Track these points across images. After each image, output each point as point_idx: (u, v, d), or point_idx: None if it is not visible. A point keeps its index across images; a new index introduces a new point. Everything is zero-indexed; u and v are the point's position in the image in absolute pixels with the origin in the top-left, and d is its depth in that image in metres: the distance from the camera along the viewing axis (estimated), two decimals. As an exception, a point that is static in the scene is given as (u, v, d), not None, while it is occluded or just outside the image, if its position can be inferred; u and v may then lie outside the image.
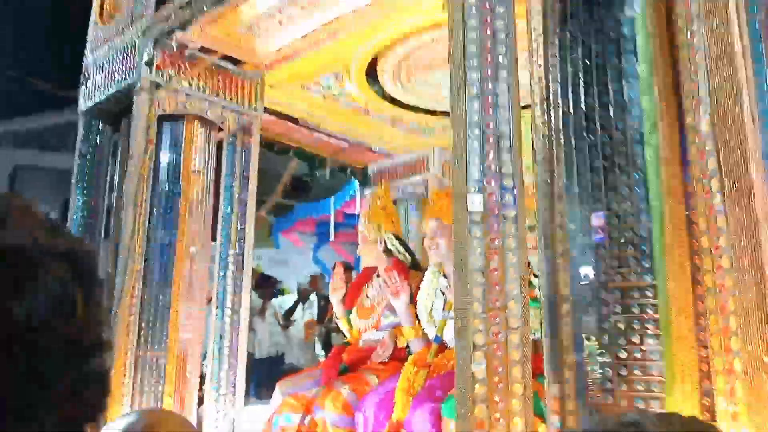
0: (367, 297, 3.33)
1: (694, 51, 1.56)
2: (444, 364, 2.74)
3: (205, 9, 2.72)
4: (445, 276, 3.00)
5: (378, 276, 3.38)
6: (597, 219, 1.62)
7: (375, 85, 3.62)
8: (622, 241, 1.58)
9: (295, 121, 4.07)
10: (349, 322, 3.36)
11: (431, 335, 2.94)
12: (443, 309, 2.86)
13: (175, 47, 2.99)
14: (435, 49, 3.13)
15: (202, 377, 3.11)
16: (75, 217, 3.27)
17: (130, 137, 3.07)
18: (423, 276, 3.19)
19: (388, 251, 3.26)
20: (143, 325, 2.82)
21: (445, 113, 3.82)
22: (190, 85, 3.14)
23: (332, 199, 6.71)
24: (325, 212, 6.92)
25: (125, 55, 3.11)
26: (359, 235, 3.37)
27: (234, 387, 3.08)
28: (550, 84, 1.80)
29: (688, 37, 1.58)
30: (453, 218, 1.68)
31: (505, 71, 1.72)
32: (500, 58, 1.73)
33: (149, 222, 2.96)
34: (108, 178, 3.35)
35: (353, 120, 4.07)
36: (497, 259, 1.65)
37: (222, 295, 3.20)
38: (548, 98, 1.79)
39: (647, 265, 1.54)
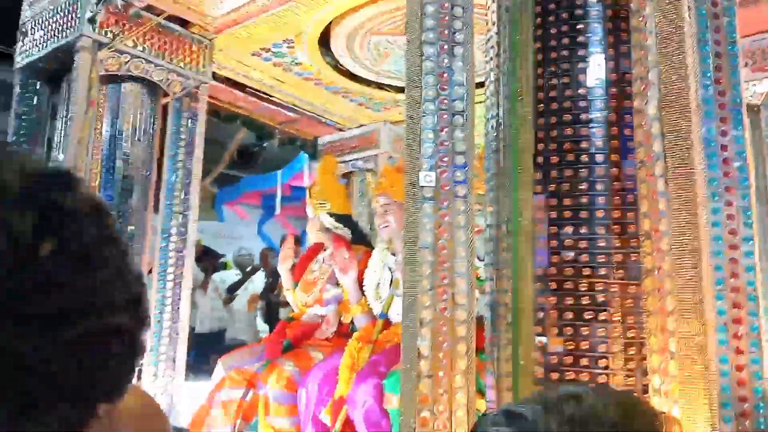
0: (312, 271, 3.30)
1: (645, 35, 1.59)
2: (388, 340, 2.75)
3: (153, -34, 2.59)
4: (393, 253, 3.00)
5: (324, 250, 3.35)
6: (538, 200, 1.64)
7: (327, 55, 3.56)
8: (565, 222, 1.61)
9: (243, 88, 3.96)
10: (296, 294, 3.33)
11: (377, 311, 2.95)
12: (390, 285, 2.87)
13: (119, 5, 2.85)
14: (388, 21, 3.10)
15: (141, 349, 3.03)
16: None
17: (70, 98, 2.93)
18: (364, 251, 3.19)
19: (326, 229, 3.24)
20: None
21: (397, 88, 3.81)
22: (135, 45, 3.01)
23: (280, 171, 6.61)
24: (271, 185, 6.82)
25: (67, 10, 2.94)
26: (308, 210, 3.33)
27: (174, 362, 3.02)
28: (503, 63, 1.81)
29: (640, 21, 1.60)
30: (405, 194, 1.67)
31: (461, 48, 1.71)
32: (457, 35, 1.72)
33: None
34: (46, 139, 3.20)
35: (304, 90, 4.00)
36: (446, 237, 1.66)
37: (163, 267, 3.11)
38: (499, 78, 1.80)
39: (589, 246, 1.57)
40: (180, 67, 3.19)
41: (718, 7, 1.61)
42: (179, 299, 3.09)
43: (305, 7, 3.03)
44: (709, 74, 1.60)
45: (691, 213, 1.41)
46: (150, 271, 3.15)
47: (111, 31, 2.92)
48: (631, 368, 1.47)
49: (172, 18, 3.13)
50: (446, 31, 1.72)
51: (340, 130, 4.65)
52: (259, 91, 4.00)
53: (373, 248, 3.24)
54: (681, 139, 1.46)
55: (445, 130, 1.65)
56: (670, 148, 1.49)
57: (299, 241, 4.88)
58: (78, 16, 2.88)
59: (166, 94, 3.25)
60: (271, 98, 4.11)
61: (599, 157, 1.61)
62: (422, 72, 1.67)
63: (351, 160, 4.61)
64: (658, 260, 1.49)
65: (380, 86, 3.92)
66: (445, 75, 1.69)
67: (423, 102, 1.66)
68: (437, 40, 1.70)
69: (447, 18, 1.72)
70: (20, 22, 3.27)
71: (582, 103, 1.64)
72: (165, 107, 3.29)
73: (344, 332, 3.03)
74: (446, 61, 1.69)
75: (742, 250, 1.47)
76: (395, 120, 4.46)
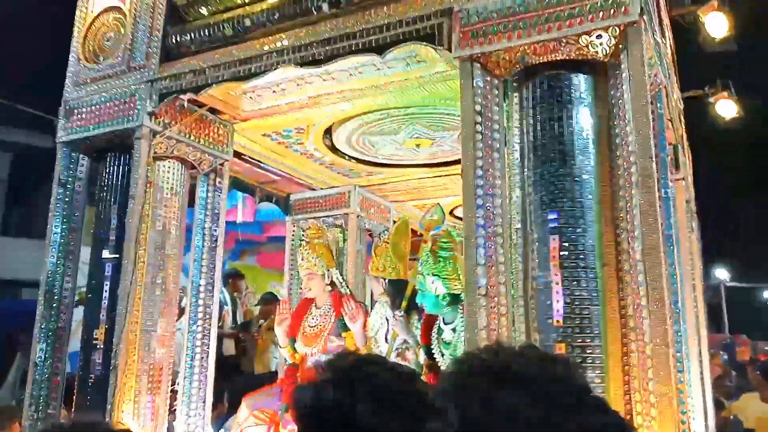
0: (310, 326, 3.91)
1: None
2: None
3: (221, 79, 3.18)
4: (316, 307, 3.84)
5: (317, 307, 3.97)
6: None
7: (326, 138, 4.24)
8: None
9: (239, 155, 4.52)
10: (293, 348, 3.92)
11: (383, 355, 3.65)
12: (391, 337, 3.57)
13: (185, 105, 3.39)
14: (379, 124, 3.91)
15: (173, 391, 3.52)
16: (54, 239, 3.51)
17: (121, 175, 3.42)
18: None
19: (332, 284, 3.89)
20: (141, 345, 3.20)
21: (373, 163, 4.56)
22: (179, 131, 3.54)
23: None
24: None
25: (124, 100, 3.42)
26: (302, 272, 3.92)
27: (204, 402, 3.53)
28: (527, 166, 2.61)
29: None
30: (466, 291, 2.40)
31: (499, 189, 2.49)
32: (497, 175, 2.50)
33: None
34: (82, 205, 3.63)
35: (295, 160, 4.63)
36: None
37: (193, 320, 3.62)
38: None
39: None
40: (209, 147, 3.74)
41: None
42: (207, 348, 3.61)
43: (321, 109, 3.71)
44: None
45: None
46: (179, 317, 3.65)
47: (163, 121, 3.44)
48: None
49: (202, 105, 3.67)
50: (489, 176, 2.50)
51: (311, 189, 5.29)
52: (253, 159, 4.58)
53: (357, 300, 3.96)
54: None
55: (491, 248, 2.42)
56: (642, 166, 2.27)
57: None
58: (137, 107, 3.37)
59: (192, 167, 3.78)
60: (260, 164, 4.70)
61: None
62: (475, 208, 2.43)
63: (321, 216, 5.26)
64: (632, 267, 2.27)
65: (361, 161, 4.64)
66: (489, 208, 2.46)
67: (476, 227, 2.42)
68: (484, 184, 2.47)
69: (490, 169, 2.50)
70: (63, 100, 3.68)
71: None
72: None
73: (349, 375, 3.69)
74: (490, 200, 2.46)
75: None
76: (363, 184, 5.19)
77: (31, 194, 17.68)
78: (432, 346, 3.31)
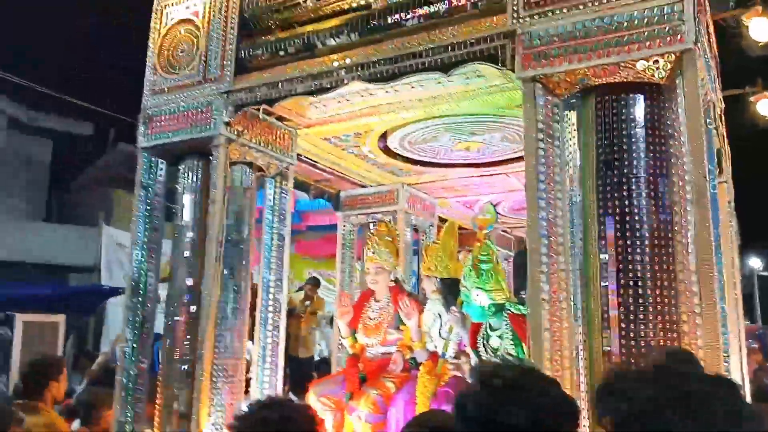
0: (369, 318, 4.19)
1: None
2: (446, 372, 3.72)
3: (294, 93, 3.43)
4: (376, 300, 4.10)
5: (376, 300, 4.24)
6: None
7: (380, 141, 4.48)
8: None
9: (298, 156, 4.78)
10: (354, 338, 4.20)
11: (430, 348, 3.91)
12: (446, 331, 3.82)
13: (260, 116, 3.66)
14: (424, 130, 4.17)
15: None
16: (138, 237, 3.82)
17: (198, 178, 3.71)
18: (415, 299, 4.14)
19: (395, 280, 4.16)
20: (218, 338, 3.51)
21: (422, 162, 4.78)
22: (250, 139, 3.81)
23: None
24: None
25: (200, 109, 3.69)
26: (371, 266, 4.18)
27: (275, 389, 3.84)
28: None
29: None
30: (529, 296, 2.64)
31: (561, 210, 2.71)
32: (559, 195, 2.72)
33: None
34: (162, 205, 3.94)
35: (349, 161, 4.88)
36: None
37: (264, 313, 3.92)
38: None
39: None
40: (276, 152, 4.01)
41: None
42: (278, 339, 3.91)
43: (379, 117, 3.96)
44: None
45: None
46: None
47: (236, 129, 3.71)
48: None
49: (272, 114, 3.93)
50: (551, 189, 2.71)
51: (362, 185, 5.54)
52: (309, 159, 4.83)
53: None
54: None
55: (553, 256, 2.64)
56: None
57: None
58: (214, 117, 3.64)
59: (260, 170, 4.04)
60: (316, 164, 4.96)
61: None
62: (538, 219, 2.66)
63: (371, 213, 5.52)
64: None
65: (410, 160, 4.87)
66: (551, 219, 2.68)
67: (539, 228, 2.64)
68: (546, 197, 2.69)
69: (551, 183, 2.72)
70: (142, 107, 3.97)
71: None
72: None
73: (406, 367, 3.96)
74: (552, 212, 2.68)
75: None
76: (410, 182, 5.43)
77: (72, 181, 18.25)
78: (480, 352, 3.55)
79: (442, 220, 6.14)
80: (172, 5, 3.99)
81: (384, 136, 4.39)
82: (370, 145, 4.49)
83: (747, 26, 4.57)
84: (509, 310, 3.45)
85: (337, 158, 4.81)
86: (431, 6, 3.19)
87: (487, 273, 3.44)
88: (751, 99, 5.56)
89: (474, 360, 3.61)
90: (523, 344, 3.31)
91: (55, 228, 15.71)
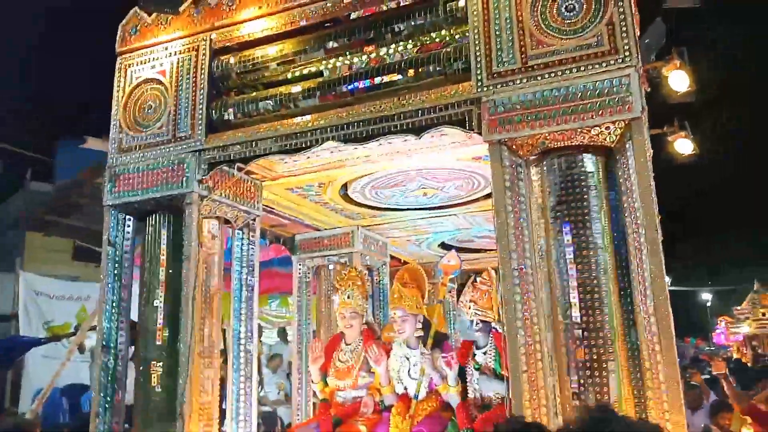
0: (340, 361, 4.32)
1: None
2: (419, 413, 3.90)
3: (269, 152, 3.58)
4: (408, 347, 4.16)
5: (347, 344, 4.38)
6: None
7: (342, 189, 4.67)
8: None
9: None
10: (324, 383, 4.31)
11: (399, 391, 4.08)
12: (418, 373, 4.00)
13: (236, 174, 3.77)
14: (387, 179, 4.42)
15: None
16: (108, 295, 3.82)
17: (169, 233, 3.77)
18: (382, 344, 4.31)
19: (367, 323, 4.32)
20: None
21: (380, 208, 5.01)
22: (221, 194, 3.91)
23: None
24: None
25: (172, 168, 3.77)
26: (348, 308, 4.29)
27: (249, 435, 3.91)
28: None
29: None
30: (506, 320, 2.87)
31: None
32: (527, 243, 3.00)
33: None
34: (130, 262, 3.96)
35: (310, 208, 5.04)
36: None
37: (236, 364, 3.99)
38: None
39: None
40: (244, 205, 4.13)
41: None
42: (250, 389, 3.98)
43: (343, 170, 4.16)
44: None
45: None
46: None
47: (208, 186, 3.81)
48: None
49: (240, 168, 4.05)
50: (518, 236, 2.99)
51: (316, 229, 5.69)
52: (269, 206, 4.95)
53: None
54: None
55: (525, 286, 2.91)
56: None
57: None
58: (186, 175, 3.73)
59: (226, 222, 4.14)
60: (274, 210, 5.08)
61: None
62: (509, 259, 2.92)
63: (327, 255, 5.68)
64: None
65: (368, 206, 5.09)
66: (520, 260, 2.95)
67: (513, 284, 2.90)
68: (516, 244, 2.96)
69: (518, 231, 2.99)
70: (107, 165, 4.00)
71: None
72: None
73: (377, 410, 4.11)
74: (522, 254, 2.95)
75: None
76: (364, 225, 5.63)
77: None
78: (466, 367, 3.84)
79: (393, 258, 6.39)
80: (137, 64, 4.07)
81: (345, 185, 4.58)
82: (332, 194, 4.67)
83: (666, 77, 5.09)
84: (494, 328, 3.76)
85: (297, 205, 4.96)
86: (398, 73, 3.44)
87: (482, 293, 3.80)
88: (669, 138, 6.14)
89: (452, 389, 3.81)
90: (501, 359, 3.62)
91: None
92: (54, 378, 7.37)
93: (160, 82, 3.98)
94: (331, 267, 5.75)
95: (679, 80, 5.08)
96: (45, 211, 12.22)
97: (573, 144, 3.02)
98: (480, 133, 3.12)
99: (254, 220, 4.25)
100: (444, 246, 6.59)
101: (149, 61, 4.04)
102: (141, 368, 3.68)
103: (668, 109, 6.07)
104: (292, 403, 7.73)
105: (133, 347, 3.99)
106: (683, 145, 6.20)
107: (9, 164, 16.28)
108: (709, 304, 27.60)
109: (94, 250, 13.14)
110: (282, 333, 10.33)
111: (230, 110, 3.80)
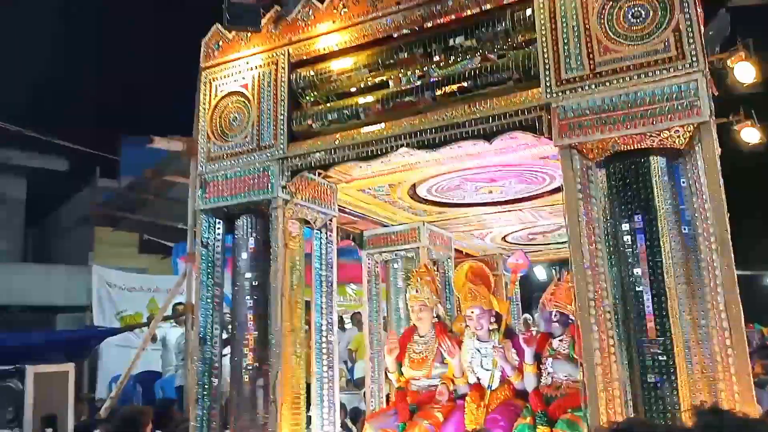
0: (415, 352, 4.58)
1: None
2: (494, 401, 4.12)
3: (347, 159, 3.83)
4: (479, 339, 4.38)
5: (420, 336, 4.63)
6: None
7: (411, 189, 4.90)
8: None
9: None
10: (400, 372, 4.58)
11: (472, 380, 4.31)
12: (491, 365, 4.22)
13: (317, 179, 4.05)
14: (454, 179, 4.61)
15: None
16: (203, 292, 4.17)
17: (256, 234, 4.07)
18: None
19: (437, 317, 4.56)
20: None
21: (445, 204, 5.21)
22: (302, 198, 4.19)
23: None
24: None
25: (256, 174, 4.07)
26: (417, 302, 4.56)
27: (333, 424, 4.20)
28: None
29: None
30: (581, 327, 3.05)
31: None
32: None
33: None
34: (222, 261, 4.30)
35: (379, 206, 5.29)
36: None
37: (318, 354, 4.29)
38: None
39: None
40: (321, 207, 4.40)
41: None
42: (332, 376, 4.28)
43: (407, 175, 4.39)
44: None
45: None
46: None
47: (289, 191, 4.09)
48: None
49: (319, 173, 4.32)
50: (590, 235, 3.15)
51: (383, 225, 5.94)
52: (341, 207, 5.21)
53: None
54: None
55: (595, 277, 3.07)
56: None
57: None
58: (271, 181, 4.02)
59: (306, 223, 4.42)
60: (344, 209, 5.34)
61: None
62: (581, 255, 3.09)
63: (394, 250, 5.92)
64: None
65: (436, 203, 5.30)
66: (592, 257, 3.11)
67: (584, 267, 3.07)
68: (587, 242, 3.12)
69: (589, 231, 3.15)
70: (198, 173, 4.33)
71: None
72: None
73: (451, 398, 4.35)
74: (593, 252, 3.11)
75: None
76: (430, 220, 5.85)
77: (47, 219, 18.09)
78: (542, 356, 4.10)
79: (457, 252, 6.60)
80: (221, 78, 4.37)
81: (413, 186, 4.80)
82: (401, 193, 4.90)
83: (732, 68, 5.11)
84: (572, 321, 4.00)
85: (367, 204, 5.21)
86: (468, 80, 3.63)
87: (564, 289, 4.09)
88: (735, 127, 6.12)
89: (531, 375, 4.07)
90: (575, 347, 3.84)
91: (38, 268, 15.58)
92: (131, 366, 7.85)
93: (243, 95, 4.27)
94: (397, 262, 5.99)
95: (744, 72, 5.09)
96: (113, 206, 12.92)
97: (642, 147, 3.15)
98: (551, 138, 3.28)
99: (331, 220, 4.52)
100: (506, 240, 6.76)
101: (232, 75, 4.34)
102: (235, 359, 4.02)
103: (735, 99, 6.06)
104: (351, 388, 8.15)
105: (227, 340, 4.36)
106: (750, 134, 6.17)
107: (76, 162, 17.04)
108: (774, 288, 26.69)
109: (159, 243, 13.89)
110: (339, 321, 10.71)
111: (309, 120, 4.06)
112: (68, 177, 17.36)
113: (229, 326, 4.31)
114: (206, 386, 4.08)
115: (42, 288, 14.51)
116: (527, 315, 9.55)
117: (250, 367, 3.94)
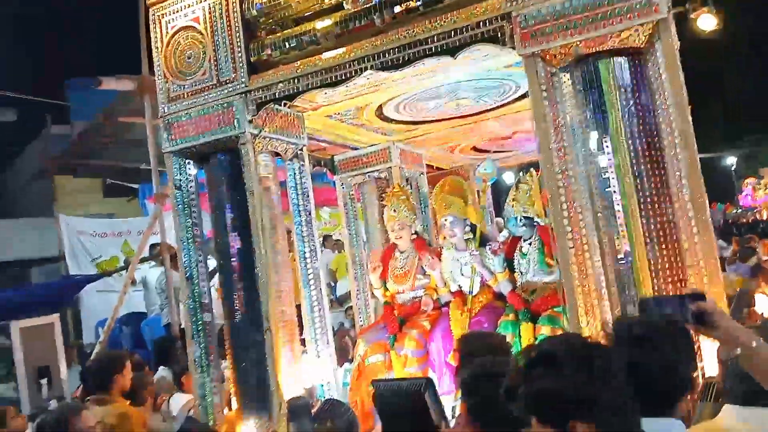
0: (397, 268, 4.74)
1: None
2: (476, 305, 4.33)
3: (312, 87, 3.79)
4: (457, 249, 4.54)
5: (401, 251, 4.78)
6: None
7: (378, 110, 4.89)
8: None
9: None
10: (385, 288, 4.75)
11: (463, 288, 4.48)
12: (470, 271, 4.40)
13: (283, 110, 4.00)
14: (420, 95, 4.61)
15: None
16: (182, 234, 4.19)
17: (229, 171, 4.06)
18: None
19: (415, 233, 4.70)
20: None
21: (414, 122, 5.23)
22: (270, 130, 4.16)
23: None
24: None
25: (221, 110, 4.01)
26: (395, 222, 4.68)
27: (327, 344, 4.37)
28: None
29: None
30: (553, 217, 3.19)
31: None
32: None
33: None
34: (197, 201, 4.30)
35: (345, 130, 5.27)
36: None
37: (305, 280, 4.40)
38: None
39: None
40: (291, 138, 4.39)
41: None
42: (321, 302, 4.41)
43: (379, 93, 4.36)
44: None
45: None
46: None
47: (258, 125, 4.05)
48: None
49: (285, 103, 4.26)
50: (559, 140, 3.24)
51: (354, 149, 5.94)
52: (309, 135, 5.18)
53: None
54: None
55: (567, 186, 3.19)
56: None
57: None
58: (236, 117, 3.97)
59: (276, 155, 4.41)
60: (312, 137, 5.32)
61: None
62: (552, 162, 3.19)
63: (367, 172, 5.95)
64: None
65: (403, 121, 5.30)
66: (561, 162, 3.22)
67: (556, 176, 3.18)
68: (556, 147, 3.21)
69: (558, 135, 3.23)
70: (161, 115, 4.25)
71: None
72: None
73: (436, 306, 4.55)
74: (562, 156, 3.21)
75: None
76: (399, 139, 5.86)
77: (2, 172, 17.50)
78: (514, 258, 4.26)
79: (428, 167, 6.66)
80: (170, 14, 4.21)
81: (380, 106, 4.79)
82: (368, 115, 4.89)
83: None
84: (537, 222, 4.15)
85: (334, 129, 5.19)
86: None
87: (525, 192, 4.18)
88: (692, 16, 6.15)
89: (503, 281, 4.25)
90: (545, 248, 4.08)
91: (4, 223, 15.21)
92: (115, 311, 7.89)
93: (195, 29, 4.12)
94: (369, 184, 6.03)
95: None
96: (70, 154, 12.55)
97: (604, 49, 3.18)
98: (513, 48, 3.29)
99: (301, 149, 4.51)
100: (476, 149, 6.83)
101: (181, 9, 4.17)
102: (225, 294, 4.11)
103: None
104: (335, 306, 8.39)
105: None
106: (706, 21, 6.22)
107: (24, 112, 16.29)
108: (733, 167, 27.57)
109: (123, 185, 13.67)
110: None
111: (267, 50, 3.97)
112: (18, 128, 16.69)
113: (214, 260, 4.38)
114: (200, 322, 4.18)
115: (11, 243, 14.28)
116: (499, 219, 9.81)
117: (241, 301, 4.04)
